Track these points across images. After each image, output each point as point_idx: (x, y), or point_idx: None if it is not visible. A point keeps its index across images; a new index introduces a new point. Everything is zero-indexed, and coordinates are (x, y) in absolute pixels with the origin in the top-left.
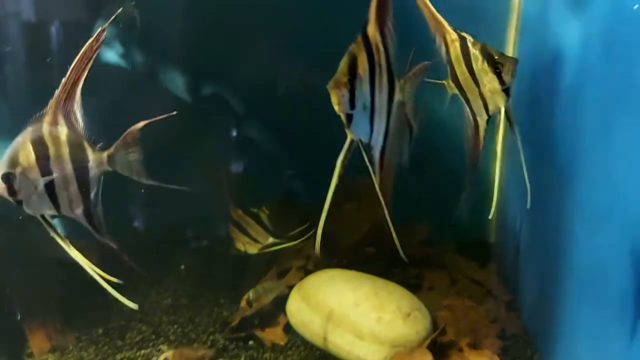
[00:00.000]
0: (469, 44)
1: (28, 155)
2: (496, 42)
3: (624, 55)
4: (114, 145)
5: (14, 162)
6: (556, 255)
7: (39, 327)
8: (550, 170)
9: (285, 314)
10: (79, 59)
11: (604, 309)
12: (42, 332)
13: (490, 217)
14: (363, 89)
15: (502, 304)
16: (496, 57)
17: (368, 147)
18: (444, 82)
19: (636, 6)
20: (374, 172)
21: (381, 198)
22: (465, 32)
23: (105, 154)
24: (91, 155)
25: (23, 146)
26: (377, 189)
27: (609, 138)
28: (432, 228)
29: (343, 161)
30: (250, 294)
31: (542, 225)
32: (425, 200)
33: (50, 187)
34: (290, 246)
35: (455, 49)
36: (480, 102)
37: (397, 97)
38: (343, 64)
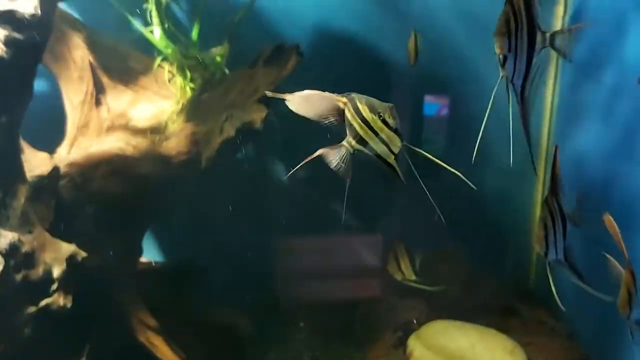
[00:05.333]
0: None
1: None
2: None
3: None
4: None
5: None
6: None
7: None
8: None
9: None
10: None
11: None
12: None
13: None
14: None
15: (564, 337)
16: None
17: (511, 83)
18: None
19: None
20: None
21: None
22: None
23: None
24: None
25: None
26: (522, 119)
27: None
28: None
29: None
30: None
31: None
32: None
33: None
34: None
35: None
36: None
37: (538, 45)
38: (501, 20)
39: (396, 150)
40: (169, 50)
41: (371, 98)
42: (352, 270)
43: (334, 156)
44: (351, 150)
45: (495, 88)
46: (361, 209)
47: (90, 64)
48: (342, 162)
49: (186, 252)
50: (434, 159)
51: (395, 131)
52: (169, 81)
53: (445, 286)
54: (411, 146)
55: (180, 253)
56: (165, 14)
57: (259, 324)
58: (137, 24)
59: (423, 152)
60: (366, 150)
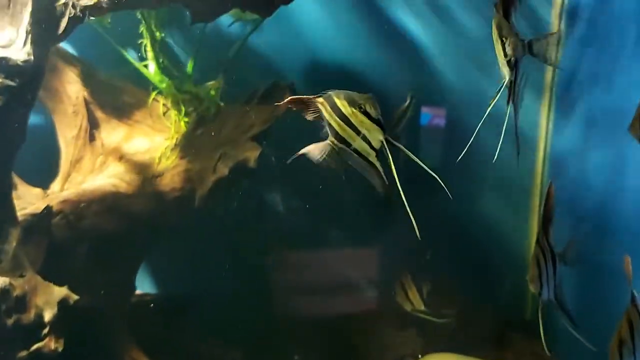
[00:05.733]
0: None
1: None
2: None
3: None
4: None
5: None
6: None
7: None
8: None
9: None
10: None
11: None
12: None
13: None
14: None
15: None
16: None
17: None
18: None
19: None
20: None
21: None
22: None
23: None
24: None
25: None
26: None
27: None
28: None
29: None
30: None
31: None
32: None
33: None
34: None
35: None
36: None
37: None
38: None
39: (377, 145)
40: (164, 85)
41: (350, 92)
42: (347, 303)
43: (319, 152)
44: (336, 149)
45: (497, 94)
46: (354, 241)
47: (85, 98)
48: (326, 157)
49: (179, 287)
50: (415, 158)
51: (377, 122)
52: (164, 115)
53: (451, 318)
54: (393, 140)
55: (173, 287)
56: (160, 49)
57: (252, 357)
58: (131, 58)
59: (405, 150)
60: (348, 149)
